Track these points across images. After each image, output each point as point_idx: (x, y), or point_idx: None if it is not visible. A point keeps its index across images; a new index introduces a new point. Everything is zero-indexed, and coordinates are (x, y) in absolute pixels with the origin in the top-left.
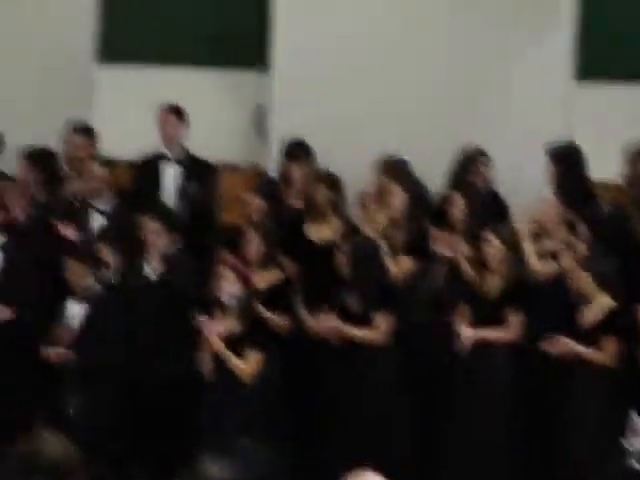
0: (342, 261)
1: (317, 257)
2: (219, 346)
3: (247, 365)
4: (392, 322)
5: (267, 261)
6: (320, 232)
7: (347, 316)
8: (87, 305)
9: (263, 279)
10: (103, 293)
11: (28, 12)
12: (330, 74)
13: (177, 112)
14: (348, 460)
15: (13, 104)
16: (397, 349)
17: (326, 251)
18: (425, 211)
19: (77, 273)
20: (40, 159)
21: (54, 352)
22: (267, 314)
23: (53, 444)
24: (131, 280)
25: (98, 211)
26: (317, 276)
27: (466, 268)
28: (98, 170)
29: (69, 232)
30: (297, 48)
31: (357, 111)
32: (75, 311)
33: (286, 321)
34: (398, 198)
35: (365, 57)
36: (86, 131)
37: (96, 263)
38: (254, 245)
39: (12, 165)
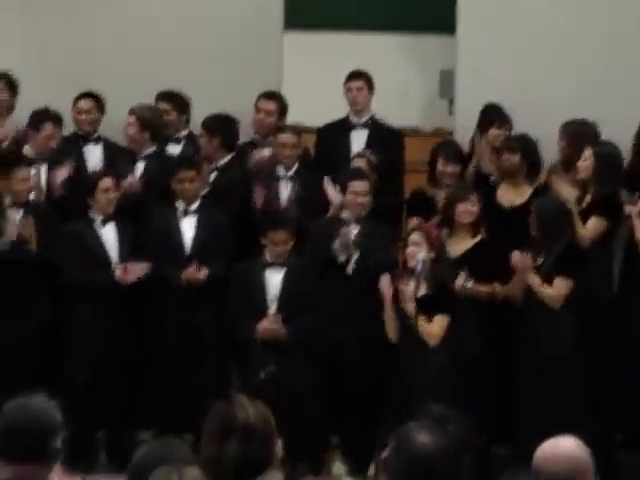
0: (532, 222)
1: (508, 222)
2: (409, 309)
3: (434, 328)
4: (571, 286)
5: (477, 226)
6: (511, 197)
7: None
8: (284, 274)
9: (466, 245)
10: (301, 262)
11: None
12: (515, 39)
13: (364, 78)
14: (543, 426)
15: (203, 73)
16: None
17: (517, 216)
18: (614, 173)
19: (281, 241)
20: (218, 127)
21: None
22: (468, 284)
23: (248, 408)
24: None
25: (285, 178)
26: (508, 242)
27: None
28: (287, 137)
29: (260, 200)
30: (482, 12)
31: (541, 76)
32: (274, 279)
33: (486, 288)
34: (587, 160)
35: (549, 22)
36: (275, 98)
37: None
38: (475, 209)
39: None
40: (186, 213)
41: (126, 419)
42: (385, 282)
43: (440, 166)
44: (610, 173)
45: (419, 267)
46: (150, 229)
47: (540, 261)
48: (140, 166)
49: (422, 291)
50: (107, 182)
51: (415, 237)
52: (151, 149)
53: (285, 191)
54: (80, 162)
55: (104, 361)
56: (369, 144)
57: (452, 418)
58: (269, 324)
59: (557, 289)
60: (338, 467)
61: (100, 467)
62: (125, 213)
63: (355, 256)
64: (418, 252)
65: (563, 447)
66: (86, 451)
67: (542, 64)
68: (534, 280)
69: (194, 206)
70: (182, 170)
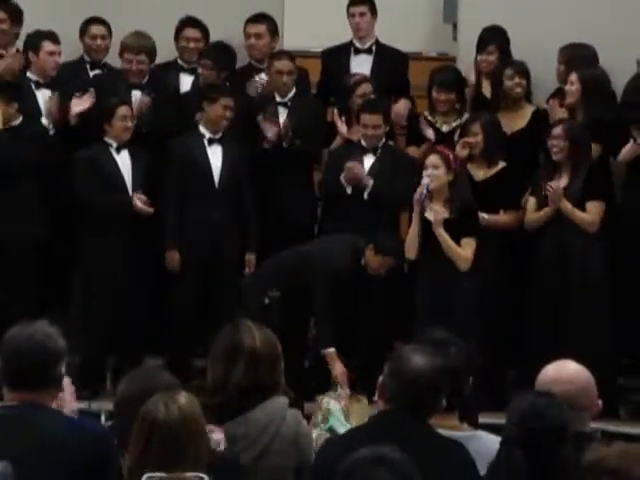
0: (557, 145)
1: (511, 147)
2: (440, 231)
3: (465, 251)
4: (604, 208)
5: (488, 156)
6: (510, 122)
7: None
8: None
9: (484, 173)
10: None
11: None
12: None
13: (367, 3)
14: (555, 351)
15: None
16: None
17: (520, 140)
18: (600, 97)
19: None
20: (225, 59)
21: None
22: (483, 215)
23: (254, 333)
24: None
25: (282, 105)
26: (516, 169)
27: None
28: (282, 64)
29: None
30: None
31: (549, 1)
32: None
33: (509, 217)
34: (573, 85)
35: None
36: (262, 20)
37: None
38: (477, 139)
39: None
40: (211, 142)
41: (136, 346)
42: (418, 195)
43: (434, 93)
44: (597, 97)
45: (421, 193)
46: (174, 159)
47: (562, 184)
48: (137, 94)
49: (443, 211)
50: (125, 109)
51: (433, 159)
52: (146, 77)
53: (282, 117)
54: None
55: (119, 286)
56: (374, 69)
57: (454, 341)
58: None
59: (592, 213)
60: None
61: (106, 394)
62: (140, 142)
63: (370, 185)
64: (435, 175)
65: (566, 369)
66: (93, 378)
67: None
68: (567, 206)
69: (219, 135)
70: (225, 96)
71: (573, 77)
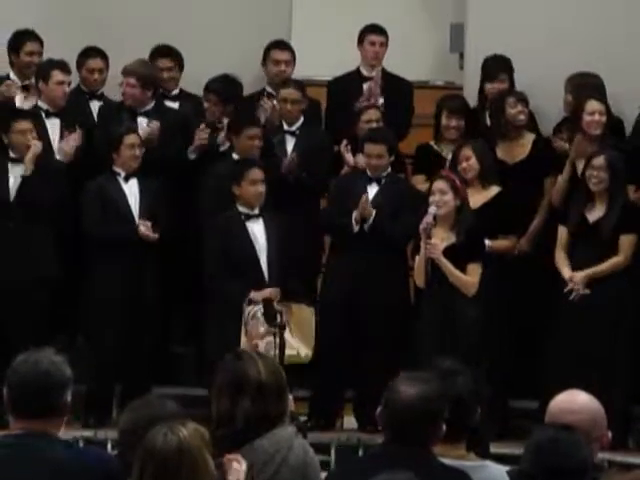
0: (598, 176)
1: (514, 177)
2: (441, 261)
3: (471, 277)
4: (635, 243)
5: (485, 179)
6: (511, 151)
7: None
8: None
9: (481, 197)
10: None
11: None
12: None
13: (384, 33)
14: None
15: (208, 23)
16: None
17: (524, 170)
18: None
19: None
20: (232, 94)
21: None
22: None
23: (259, 364)
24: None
25: (289, 134)
26: (515, 200)
27: None
28: (288, 93)
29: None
30: None
31: (551, 29)
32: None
33: (511, 242)
34: (603, 116)
35: None
36: (288, 47)
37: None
38: (472, 163)
39: None
40: None
41: (143, 375)
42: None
43: (444, 120)
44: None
45: (427, 222)
46: (209, 186)
47: (598, 214)
48: (142, 121)
49: (451, 240)
50: (133, 138)
51: (440, 185)
52: (151, 105)
53: (289, 146)
54: (90, 118)
55: (126, 314)
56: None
57: (461, 371)
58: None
59: (624, 248)
60: (350, 422)
61: (113, 423)
62: (148, 171)
63: (372, 216)
64: (443, 200)
65: (577, 399)
66: (100, 407)
67: (553, 17)
68: (595, 271)
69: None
70: (249, 127)
71: (601, 107)
